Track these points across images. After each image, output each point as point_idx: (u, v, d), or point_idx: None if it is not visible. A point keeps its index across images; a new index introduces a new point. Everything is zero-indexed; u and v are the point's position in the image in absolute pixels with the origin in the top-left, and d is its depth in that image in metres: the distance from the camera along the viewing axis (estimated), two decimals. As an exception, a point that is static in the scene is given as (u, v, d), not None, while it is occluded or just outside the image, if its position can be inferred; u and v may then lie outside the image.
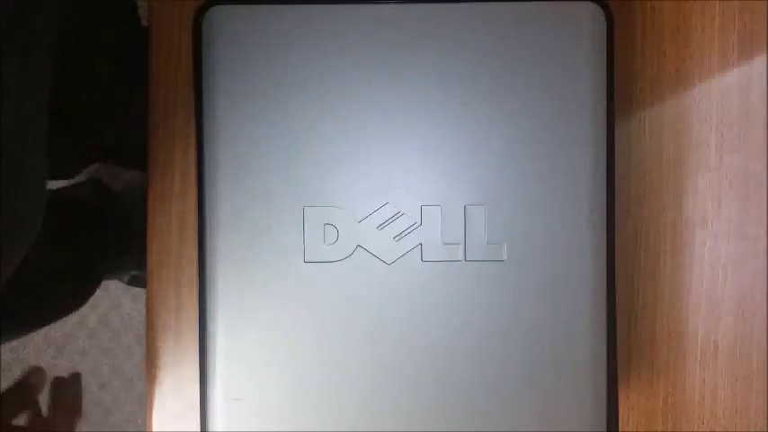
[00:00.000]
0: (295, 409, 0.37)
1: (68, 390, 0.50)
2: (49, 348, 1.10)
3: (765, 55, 0.41)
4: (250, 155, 0.37)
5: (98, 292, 1.06)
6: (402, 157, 0.37)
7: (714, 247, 0.42)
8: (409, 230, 0.37)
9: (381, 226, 0.37)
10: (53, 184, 0.70)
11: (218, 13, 0.37)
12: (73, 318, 1.08)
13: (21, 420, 0.45)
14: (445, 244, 0.37)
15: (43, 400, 0.48)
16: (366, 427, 0.37)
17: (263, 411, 0.37)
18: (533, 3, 0.37)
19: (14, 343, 1.08)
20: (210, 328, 0.37)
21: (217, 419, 0.37)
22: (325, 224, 0.37)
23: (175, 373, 0.43)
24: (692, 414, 0.43)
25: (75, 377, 0.53)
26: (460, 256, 0.37)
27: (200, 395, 0.38)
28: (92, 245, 0.69)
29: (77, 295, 0.66)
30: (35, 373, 0.49)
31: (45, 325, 0.62)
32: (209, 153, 0.37)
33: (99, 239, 0.72)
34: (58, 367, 1.10)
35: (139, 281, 0.96)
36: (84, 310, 1.10)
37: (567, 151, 0.37)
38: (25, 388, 0.47)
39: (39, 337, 1.09)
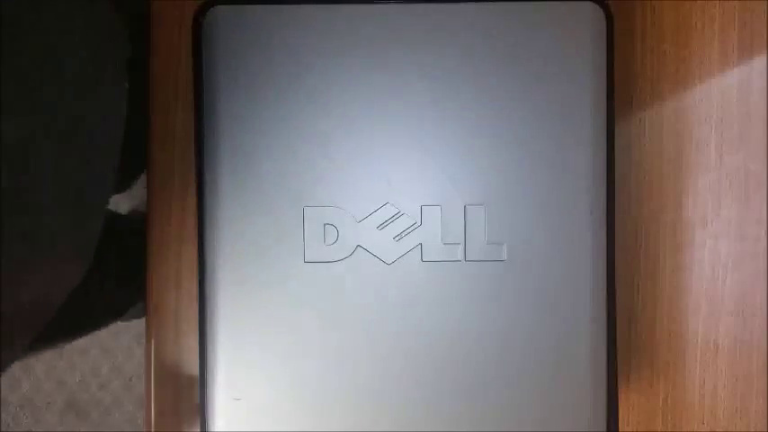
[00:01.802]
0: (295, 408, 0.37)
1: None
2: (48, 348, 1.10)
3: (765, 55, 0.41)
4: (250, 155, 0.37)
5: (98, 292, 1.05)
6: (402, 157, 0.37)
7: (714, 247, 0.42)
8: (409, 230, 0.37)
9: (381, 226, 0.37)
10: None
11: (218, 14, 0.37)
12: (73, 318, 1.08)
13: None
14: (445, 244, 0.37)
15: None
16: (366, 427, 0.37)
17: (263, 411, 0.37)
18: (533, 3, 0.37)
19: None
20: (210, 327, 0.37)
21: (217, 419, 0.37)
22: (326, 224, 0.37)
23: (175, 373, 0.43)
24: (692, 414, 0.43)
25: None
26: (460, 256, 0.37)
27: (200, 395, 0.38)
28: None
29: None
30: None
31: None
32: (209, 153, 0.37)
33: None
34: (58, 368, 1.10)
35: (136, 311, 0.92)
36: (84, 310, 1.09)
37: (567, 151, 0.37)
38: None
39: (39, 337, 1.09)
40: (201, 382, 0.37)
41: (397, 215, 0.37)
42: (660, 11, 0.42)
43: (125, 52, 0.40)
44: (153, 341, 0.43)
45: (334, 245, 0.37)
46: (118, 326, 0.92)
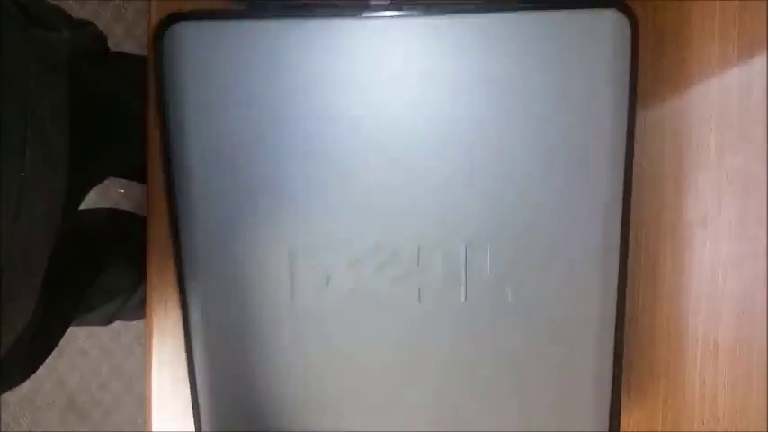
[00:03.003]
0: (286, 409, 0.37)
1: None
2: (48, 348, 1.10)
3: (765, 55, 0.41)
4: (226, 193, 0.34)
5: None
6: (396, 191, 0.34)
7: (714, 247, 0.42)
8: (405, 272, 0.34)
9: (375, 267, 0.34)
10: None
11: (180, 32, 0.32)
12: (73, 318, 1.08)
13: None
14: (444, 285, 0.35)
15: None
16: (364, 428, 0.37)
17: (254, 411, 0.37)
18: (547, 13, 0.33)
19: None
20: (198, 362, 0.36)
21: (210, 420, 0.37)
22: (315, 268, 0.34)
23: (175, 373, 0.43)
24: (692, 414, 0.43)
25: None
26: (461, 298, 0.35)
27: (191, 396, 0.37)
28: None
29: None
30: None
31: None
32: (182, 195, 0.34)
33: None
34: (58, 368, 1.10)
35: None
36: (84, 310, 1.09)
37: (580, 186, 0.34)
38: None
39: (39, 337, 1.09)
40: (191, 384, 0.37)
41: (393, 255, 0.34)
42: (660, 11, 0.42)
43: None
44: (153, 341, 0.43)
45: (326, 290, 0.35)
46: (118, 326, 0.92)
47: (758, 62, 0.41)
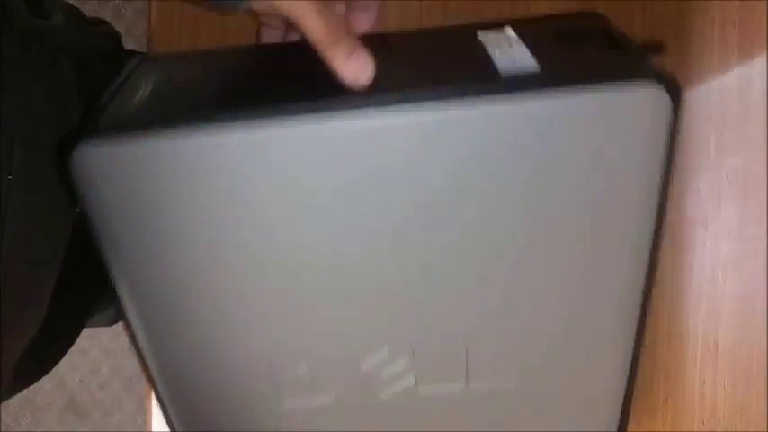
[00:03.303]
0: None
1: None
2: (48, 348, 1.10)
3: (765, 55, 0.41)
4: (185, 315, 0.30)
5: (98, 293, 1.04)
6: (385, 290, 0.30)
7: (714, 247, 0.42)
8: (399, 369, 0.32)
9: (368, 368, 0.32)
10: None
11: (87, 153, 0.26)
12: (73, 318, 1.08)
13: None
14: (442, 378, 0.33)
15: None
16: None
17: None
18: (563, 96, 0.25)
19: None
20: None
21: (180, 421, 0.36)
22: (299, 374, 0.32)
23: (175, 373, 0.43)
24: (692, 414, 0.43)
25: None
26: (459, 388, 0.33)
27: (157, 399, 0.37)
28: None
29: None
30: None
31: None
32: (137, 329, 0.31)
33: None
34: (58, 368, 1.10)
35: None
36: (84, 310, 1.09)
37: (596, 282, 0.30)
38: None
39: (39, 337, 1.09)
40: (154, 389, 0.37)
41: (388, 357, 0.32)
42: (660, 11, 0.42)
43: None
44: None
45: (315, 392, 0.33)
46: (118, 326, 0.92)
47: (758, 62, 0.41)
